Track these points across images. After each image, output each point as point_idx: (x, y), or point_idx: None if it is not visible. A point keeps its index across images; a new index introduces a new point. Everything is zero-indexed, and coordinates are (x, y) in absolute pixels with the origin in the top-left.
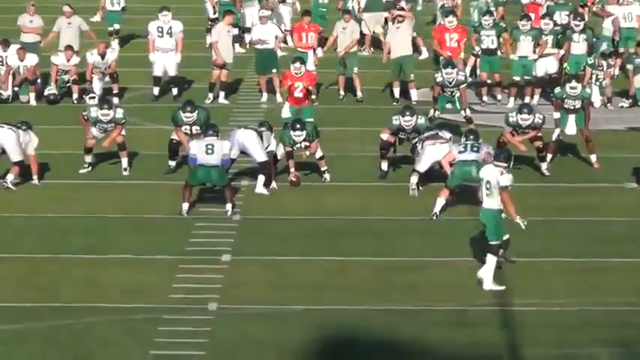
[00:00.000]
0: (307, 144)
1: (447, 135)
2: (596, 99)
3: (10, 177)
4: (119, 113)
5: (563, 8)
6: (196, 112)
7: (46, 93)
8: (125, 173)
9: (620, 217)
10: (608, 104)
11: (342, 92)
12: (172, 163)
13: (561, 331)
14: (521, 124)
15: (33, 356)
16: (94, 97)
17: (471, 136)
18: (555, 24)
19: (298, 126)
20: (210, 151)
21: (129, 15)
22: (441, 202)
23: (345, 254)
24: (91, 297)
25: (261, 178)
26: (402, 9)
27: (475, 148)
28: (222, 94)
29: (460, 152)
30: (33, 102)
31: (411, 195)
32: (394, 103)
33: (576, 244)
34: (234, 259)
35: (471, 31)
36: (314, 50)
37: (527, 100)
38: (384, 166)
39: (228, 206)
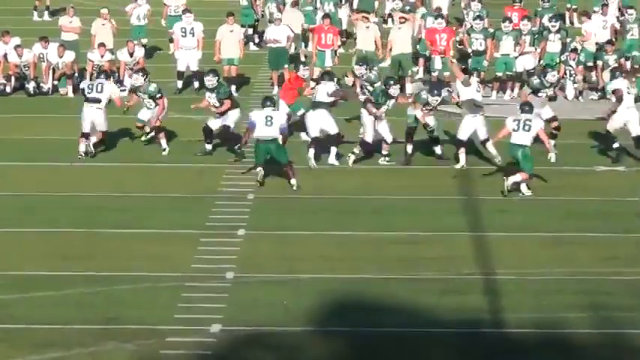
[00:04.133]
0: None
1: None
2: (570, 92)
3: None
4: (151, 87)
5: (550, 12)
6: (217, 78)
7: (81, 86)
8: (164, 153)
9: (590, 197)
10: (580, 97)
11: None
12: (209, 147)
13: (538, 298)
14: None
15: (69, 318)
16: (124, 90)
17: (526, 108)
18: (542, 26)
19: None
20: (269, 123)
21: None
22: (513, 178)
23: (347, 229)
24: (122, 266)
25: (334, 150)
26: (405, 11)
27: (527, 127)
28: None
29: (514, 130)
30: (70, 94)
31: (459, 167)
32: None
33: (552, 220)
34: (249, 233)
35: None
36: (333, 49)
37: (507, 92)
38: (410, 149)
39: (293, 181)
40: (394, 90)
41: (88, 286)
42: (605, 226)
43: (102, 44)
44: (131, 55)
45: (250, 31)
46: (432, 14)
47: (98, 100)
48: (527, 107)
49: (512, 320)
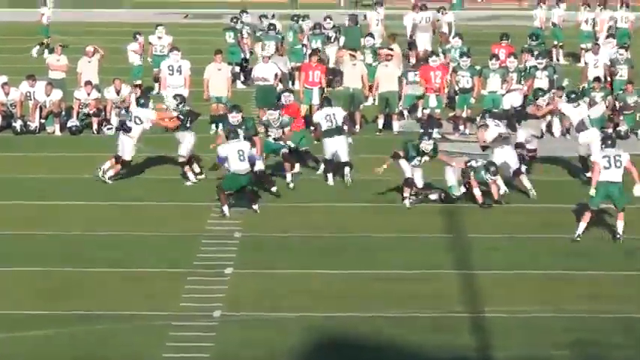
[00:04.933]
0: None
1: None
2: (557, 129)
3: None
4: (185, 108)
5: (537, 49)
6: (241, 114)
7: (69, 124)
8: (201, 177)
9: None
10: (567, 134)
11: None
12: None
13: (526, 336)
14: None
15: (57, 357)
16: (111, 128)
17: (609, 142)
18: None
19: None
20: (242, 158)
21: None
22: (582, 225)
23: (335, 267)
24: (110, 305)
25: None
26: (391, 49)
27: (618, 163)
28: (221, 125)
29: (605, 167)
30: (58, 132)
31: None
32: (377, 134)
33: (541, 258)
34: (236, 271)
35: None
36: (321, 87)
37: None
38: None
39: (255, 206)
40: (426, 145)
41: (75, 326)
42: (589, 264)
43: (88, 82)
44: (118, 92)
45: (237, 68)
46: (412, 70)
47: (129, 129)
48: (609, 141)
49: (501, 358)
